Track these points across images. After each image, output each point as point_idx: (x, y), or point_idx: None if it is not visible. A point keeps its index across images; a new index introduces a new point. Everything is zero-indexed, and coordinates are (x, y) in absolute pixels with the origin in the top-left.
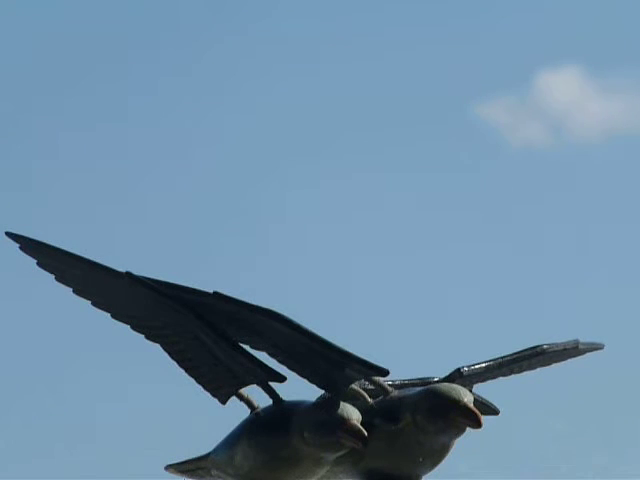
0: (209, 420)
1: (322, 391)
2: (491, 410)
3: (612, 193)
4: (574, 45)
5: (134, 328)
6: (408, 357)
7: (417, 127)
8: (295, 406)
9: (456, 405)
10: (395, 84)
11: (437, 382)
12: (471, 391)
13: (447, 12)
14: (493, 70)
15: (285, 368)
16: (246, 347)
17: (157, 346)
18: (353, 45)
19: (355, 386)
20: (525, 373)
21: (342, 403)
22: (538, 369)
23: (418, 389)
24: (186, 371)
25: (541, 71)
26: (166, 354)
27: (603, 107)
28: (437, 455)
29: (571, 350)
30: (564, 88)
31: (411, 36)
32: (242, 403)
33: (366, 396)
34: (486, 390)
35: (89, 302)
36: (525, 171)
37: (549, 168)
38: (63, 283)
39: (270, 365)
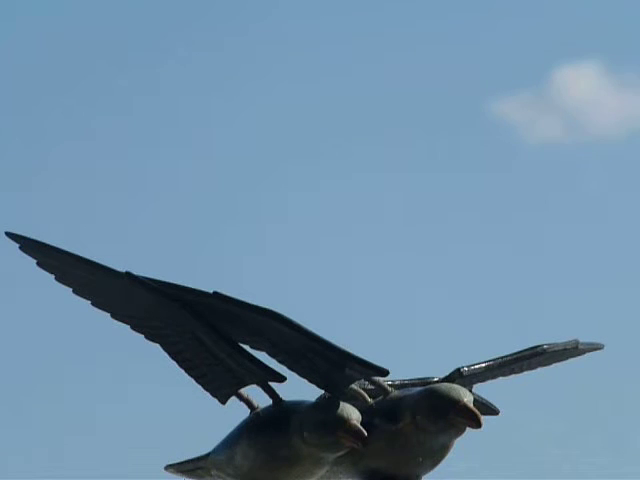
0: (209, 420)
1: (322, 391)
2: (491, 410)
3: (628, 191)
4: (592, 41)
5: (134, 328)
6: (408, 357)
7: (432, 124)
8: (295, 406)
9: (456, 405)
10: (409, 81)
11: (437, 382)
12: (471, 391)
13: (463, 8)
14: (510, 67)
15: (285, 368)
16: (246, 347)
17: (157, 346)
18: (367, 42)
19: (355, 386)
20: (525, 373)
21: (342, 403)
22: (538, 369)
23: (418, 389)
24: (186, 371)
25: (558, 67)
26: (166, 354)
27: (621, 103)
28: (437, 455)
29: (571, 350)
30: (581, 84)
31: (425, 32)
32: (242, 403)
33: (366, 396)
34: (486, 390)
35: (89, 302)
36: (541, 168)
37: (565, 165)
38: (63, 283)
39: (270, 365)
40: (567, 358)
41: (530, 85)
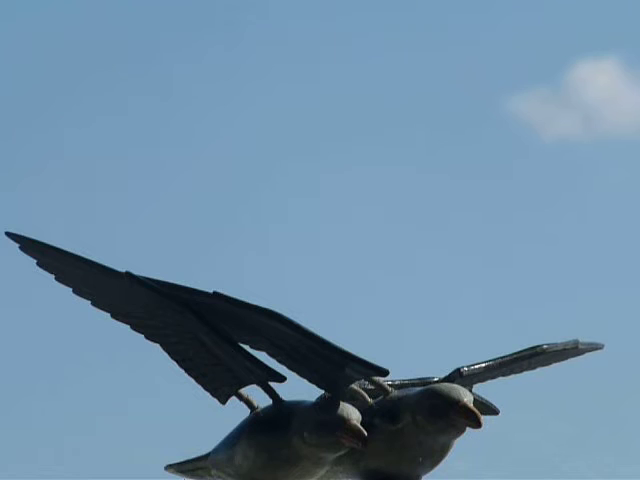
0: (209, 420)
1: (322, 391)
2: (491, 410)
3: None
4: (611, 37)
5: (134, 328)
6: (408, 357)
7: (445, 122)
8: (295, 406)
9: (456, 405)
10: (421, 78)
11: (437, 382)
12: (471, 391)
13: (477, 1)
14: (526, 63)
15: (285, 368)
16: (246, 347)
17: (157, 346)
18: (378, 37)
19: (355, 386)
20: (525, 373)
21: (342, 403)
22: (538, 369)
23: (418, 389)
24: (186, 371)
25: (576, 63)
26: (166, 354)
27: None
28: (437, 455)
29: (571, 350)
30: (600, 81)
31: (437, 26)
32: (242, 403)
33: (366, 396)
34: (486, 390)
35: (89, 302)
36: (558, 166)
37: (583, 163)
38: (63, 283)
39: (270, 365)
40: (567, 358)
41: (547, 81)
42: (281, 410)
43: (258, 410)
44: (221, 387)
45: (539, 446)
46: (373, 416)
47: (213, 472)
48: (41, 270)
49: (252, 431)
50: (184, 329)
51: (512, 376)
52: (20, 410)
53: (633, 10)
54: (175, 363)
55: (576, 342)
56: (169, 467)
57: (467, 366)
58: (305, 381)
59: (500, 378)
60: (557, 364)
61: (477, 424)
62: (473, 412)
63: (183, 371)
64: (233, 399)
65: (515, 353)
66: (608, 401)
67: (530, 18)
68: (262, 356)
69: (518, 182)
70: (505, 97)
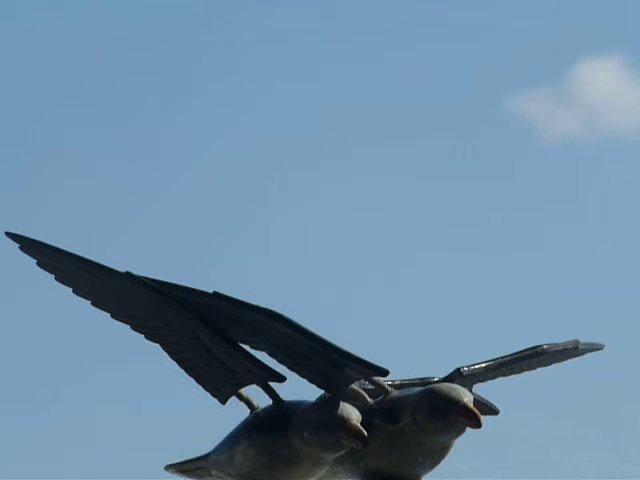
0: (209, 420)
1: (322, 391)
2: (491, 410)
3: None
4: (614, 36)
5: (134, 328)
6: (408, 357)
7: (446, 122)
8: (295, 406)
9: (456, 405)
10: (422, 77)
11: (437, 382)
12: (471, 391)
13: (477, 1)
14: (527, 62)
15: (285, 368)
16: (246, 347)
17: (157, 346)
18: (378, 38)
19: (355, 386)
20: (525, 373)
21: (342, 403)
22: (538, 369)
23: (418, 389)
24: (186, 371)
25: (579, 63)
26: (166, 354)
27: None
28: (437, 455)
29: (571, 350)
30: (603, 80)
31: (438, 25)
32: (242, 403)
33: (366, 396)
34: (486, 390)
35: (89, 302)
36: (559, 167)
37: (585, 163)
38: (63, 283)
39: (270, 365)
40: (567, 358)
41: (549, 81)
42: (281, 410)
43: (258, 410)
44: (221, 387)
45: (539, 446)
46: (373, 416)
47: (213, 472)
48: (41, 270)
49: (252, 431)
50: (184, 329)
51: (512, 376)
52: (20, 410)
53: (635, 10)
54: (175, 363)
55: (576, 342)
56: (169, 467)
57: (467, 366)
58: (305, 381)
59: (500, 378)
60: (557, 364)
61: (477, 424)
62: (473, 412)
63: (183, 371)
64: (233, 399)
65: (515, 353)
66: (608, 401)
67: (532, 18)
68: (262, 356)
69: (519, 182)
70: (507, 97)
